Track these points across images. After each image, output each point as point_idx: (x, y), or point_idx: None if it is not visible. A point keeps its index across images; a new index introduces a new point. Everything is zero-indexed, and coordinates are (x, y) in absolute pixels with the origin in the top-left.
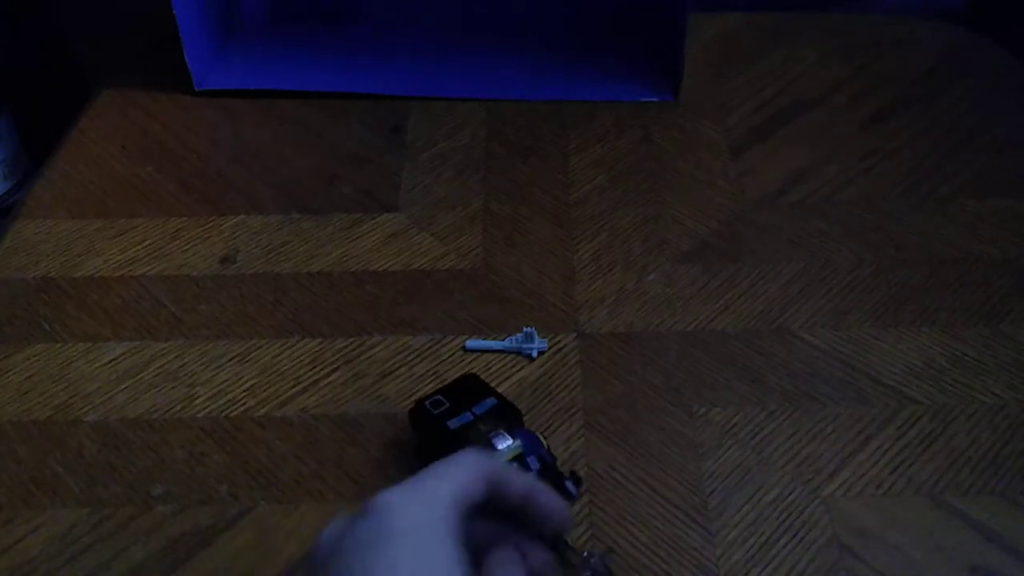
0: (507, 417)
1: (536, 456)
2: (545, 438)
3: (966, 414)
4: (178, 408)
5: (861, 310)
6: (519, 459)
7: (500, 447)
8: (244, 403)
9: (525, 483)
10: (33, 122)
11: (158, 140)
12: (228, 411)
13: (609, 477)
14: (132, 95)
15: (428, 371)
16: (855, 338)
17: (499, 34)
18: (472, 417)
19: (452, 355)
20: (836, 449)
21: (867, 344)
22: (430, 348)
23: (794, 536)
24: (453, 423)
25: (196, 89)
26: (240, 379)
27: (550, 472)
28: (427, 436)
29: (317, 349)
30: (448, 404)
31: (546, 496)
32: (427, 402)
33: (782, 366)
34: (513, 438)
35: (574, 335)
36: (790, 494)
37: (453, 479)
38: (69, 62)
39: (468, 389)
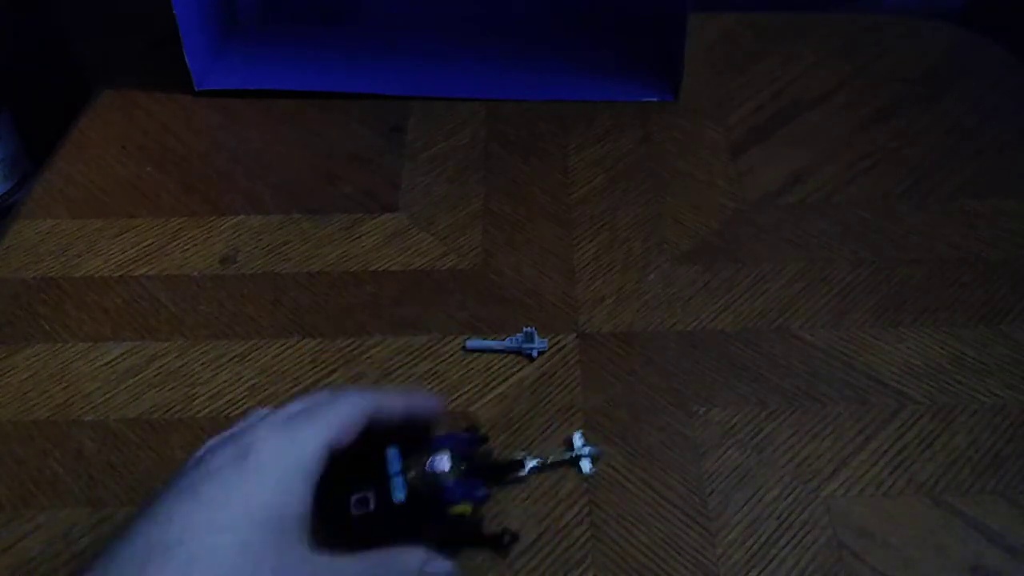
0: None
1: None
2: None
3: (966, 414)
4: (178, 408)
5: (861, 310)
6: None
7: (440, 468)
8: (244, 403)
9: (401, 400)
10: (33, 122)
11: (158, 140)
12: (228, 411)
13: (609, 477)
14: (132, 95)
15: (428, 371)
16: (855, 338)
17: (499, 34)
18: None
19: (452, 355)
20: (836, 449)
21: (867, 344)
22: (430, 348)
23: (794, 536)
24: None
25: (196, 89)
26: (240, 379)
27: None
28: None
29: (317, 349)
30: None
31: (420, 398)
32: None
33: (782, 366)
34: (438, 452)
35: (574, 335)
36: (790, 494)
37: (327, 424)
38: (69, 62)
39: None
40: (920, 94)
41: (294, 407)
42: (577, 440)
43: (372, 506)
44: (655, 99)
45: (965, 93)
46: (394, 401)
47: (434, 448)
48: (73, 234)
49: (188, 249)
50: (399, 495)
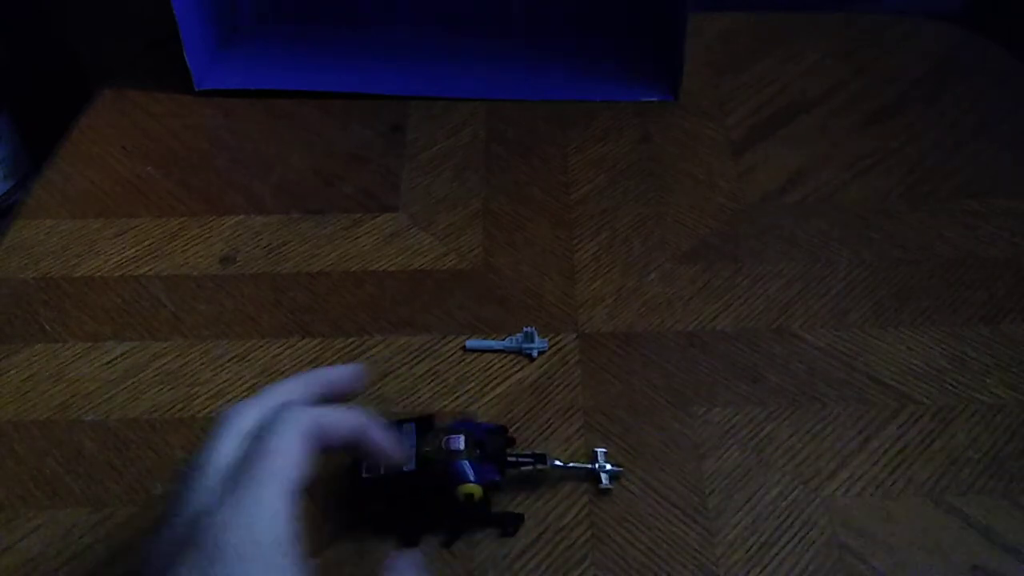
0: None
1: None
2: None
3: (966, 414)
4: (178, 408)
5: (861, 310)
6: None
7: (455, 447)
8: None
9: (351, 426)
10: (33, 122)
11: (158, 140)
12: None
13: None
14: (132, 95)
15: (428, 371)
16: (855, 338)
17: (499, 34)
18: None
19: (452, 355)
20: (836, 449)
21: (867, 344)
22: (430, 348)
23: (794, 536)
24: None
25: (196, 89)
26: (240, 379)
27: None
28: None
29: (317, 349)
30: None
31: (376, 432)
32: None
33: (782, 366)
34: (455, 433)
35: (574, 335)
36: (790, 494)
37: (280, 473)
38: (69, 62)
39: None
40: (920, 94)
41: (225, 447)
42: (600, 457)
43: (382, 471)
44: (655, 99)
45: (965, 93)
46: (343, 427)
47: (453, 430)
48: (73, 234)
49: (188, 249)
50: (409, 464)
